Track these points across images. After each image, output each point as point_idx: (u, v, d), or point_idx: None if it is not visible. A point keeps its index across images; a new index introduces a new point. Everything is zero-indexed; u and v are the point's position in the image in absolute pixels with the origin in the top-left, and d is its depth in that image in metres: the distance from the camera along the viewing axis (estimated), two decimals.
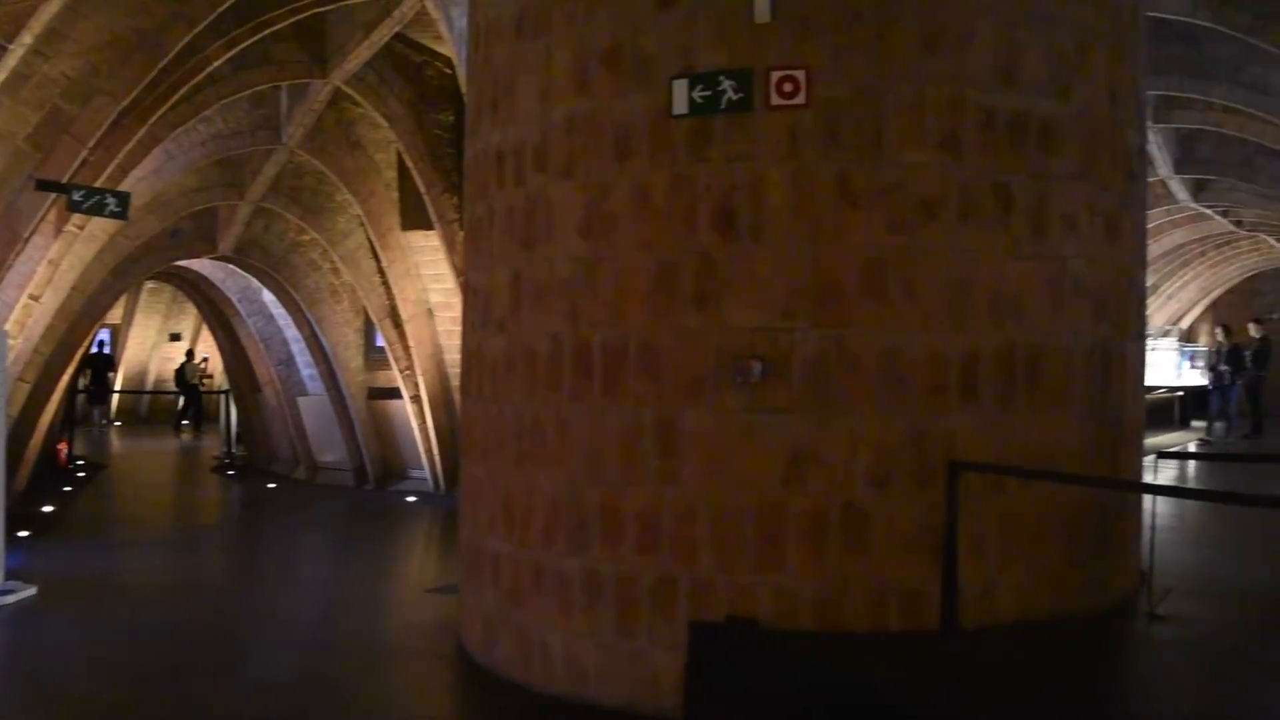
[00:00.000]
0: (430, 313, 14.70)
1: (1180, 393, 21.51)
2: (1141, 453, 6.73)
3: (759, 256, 5.38)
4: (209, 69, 10.63)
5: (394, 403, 15.51)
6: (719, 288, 5.42)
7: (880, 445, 5.30)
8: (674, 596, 5.50)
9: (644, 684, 5.55)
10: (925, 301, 5.34)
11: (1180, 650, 5.45)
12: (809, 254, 5.33)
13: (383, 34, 11.70)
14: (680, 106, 5.50)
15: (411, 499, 14.70)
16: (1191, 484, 12.35)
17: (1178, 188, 18.71)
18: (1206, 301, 30.14)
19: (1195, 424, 20.50)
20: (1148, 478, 7.19)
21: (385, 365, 15.37)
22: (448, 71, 12.85)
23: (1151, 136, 16.24)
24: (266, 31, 10.83)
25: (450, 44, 10.55)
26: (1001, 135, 5.46)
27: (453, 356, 14.11)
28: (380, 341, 15.46)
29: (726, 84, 5.43)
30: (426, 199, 13.34)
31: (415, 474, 15.73)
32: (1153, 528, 6.37)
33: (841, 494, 5.31)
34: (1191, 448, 16.96)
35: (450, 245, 13.19)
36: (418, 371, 14.62)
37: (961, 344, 5.38)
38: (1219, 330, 19.75)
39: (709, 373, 5.43)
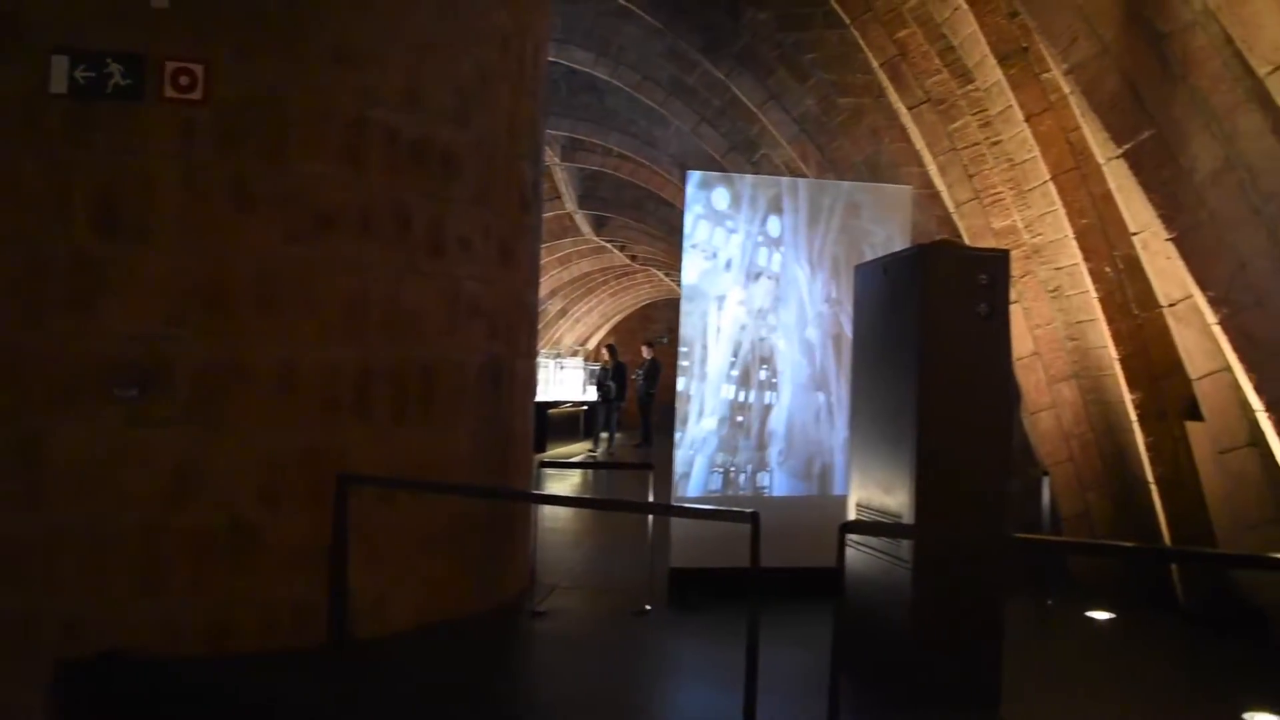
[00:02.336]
0: None
1: (585, 407, 23.57)
2: (532, 462, 7.26)
3: (144, 258, 5.01)
4: None
5: None
6: (97, 289, 4.97)
7: (272, 459, 5.18)
8: (38, 634, 4.92)
9: None
10: (322, 314, 5.32)
11: (555, 640, 5.96)
12: (201, 258, 5.08)
13: None
14: (59, 85, 5.00)
15: None
16: (590, 491, 13.56)
17: (582, 221, 20.57)
18: (610, 325, 33.49)
19: (603, 435, 22.61)
20: (538, 486, 7.76)
21: None
22: None
23: (561, 173, 17.72)
24: None
25: None
26: (404, 155, 5.61)
27: None
28: None
29: (114, 68, 5.02)
30: None
31: None
32: (534, 531, 6.90)
33: (231, 511, 5.11)
34: (583, 458, 18.62)
35: None
36: None
37: (357, 358, 5.43)
38: (605, 351, 22.03)
39: (83, 382, 4.95)
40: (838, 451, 7.09)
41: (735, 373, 6.99)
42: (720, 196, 7.01)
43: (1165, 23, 4.77)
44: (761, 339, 7.01)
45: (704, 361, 6.94)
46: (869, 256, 6.97)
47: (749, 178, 7.40)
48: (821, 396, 7.10)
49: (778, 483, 7.04)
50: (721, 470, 6.99)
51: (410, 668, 5.24)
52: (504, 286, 6.31)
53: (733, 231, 6.99)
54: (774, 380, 7.04)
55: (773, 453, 7.02)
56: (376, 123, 5.51)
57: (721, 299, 6.99)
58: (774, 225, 7.05)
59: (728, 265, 6.99)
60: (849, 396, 6.74)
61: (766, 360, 7.01)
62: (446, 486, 5.63)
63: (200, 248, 5.08)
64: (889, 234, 7.19)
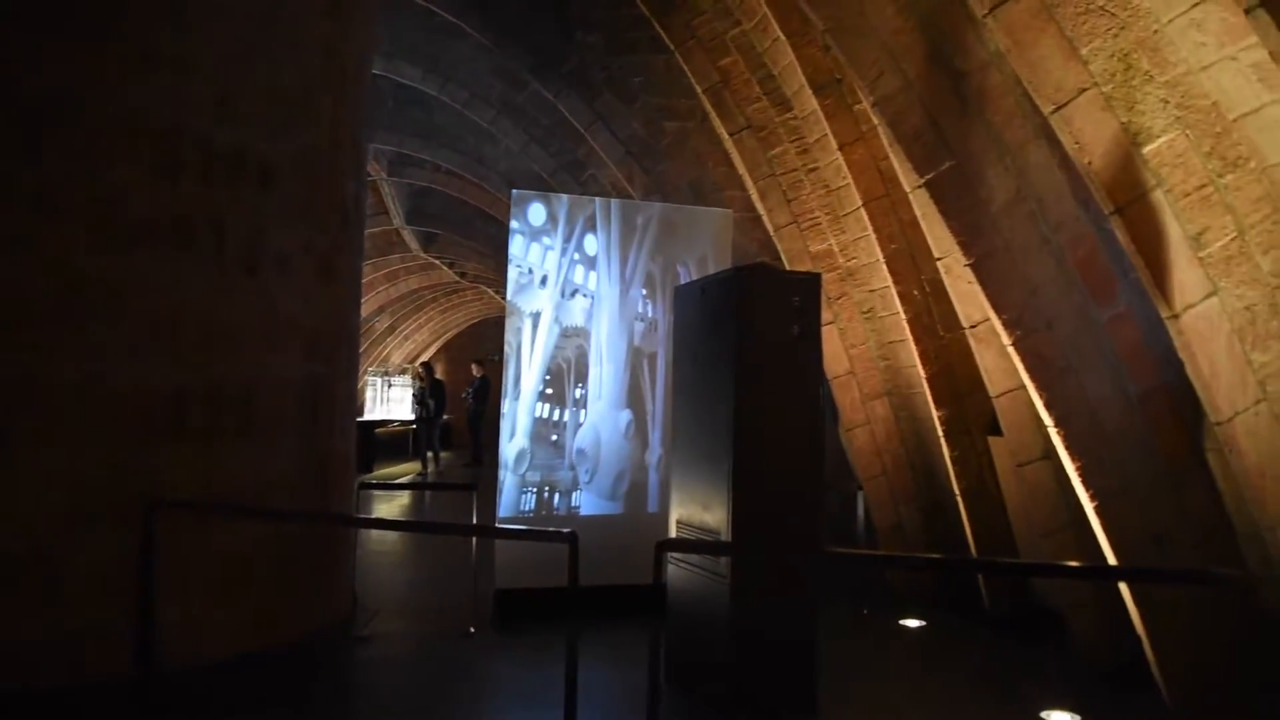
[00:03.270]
0: None
1: (414, 426, 23.15)
2: (353, 484, 7.10)
3: None
4: None
5: None
6: None
7: (75, 482, 4.88)
8: None
9: None
10: (131, 330, 5.05)
11: (378, 665, 5.86)
12: None
13: None
14: None
15: None
16: (416, 512, 13.34)
17: (410, 238, 20.26)
18: (439, 343, 33.05)
19: (429, 454, 22.27)
20: (362, 508, 7.60)
21: None
22: None
23: (388, 188, 17.43)
24: None
25: None
26: (219, 166, 5.40)
27: None
28: None
29: None
30: None
31: None
32: (356, 554, 6.75)
33: (27, 537, 4.79)
34: (411, 478, 18.31)
35: None
36: None
37: (169, 376, 5.18)
38: (422, 369, 21.82)
39: None
40: (652, 470, 7.21)
41: (549, 390, 7.04)
42: (537, 213, 7.08)
43: (963, 62, 5.08)
44: (575, 357, 7.10)
45: (519, 379, 6.97)
46: (685, 277, 7.14)
47: (565, 196, 7.49)
48: (629, 414, 7.21)
49: (586, 501, 7.11)
50: (535, 489, 7.02)
51: (223, 700, 5.05)
52: (324, 303, 6.14)
53: (549, 249, 7.07)
54: (586, 399, 7.13)
55: (580, 471, 7.09)
56: (190, 131, 5.30)
57: (537, 315, 7.04)
58: (591, 244, 7.16)
59: (544, 282, 7.06)
60: (668, 416, 6.87)
61: (581, 378, 7.10)
62: (262, 511, 5.43)
63: None
64: (704, 254, 7.39)
